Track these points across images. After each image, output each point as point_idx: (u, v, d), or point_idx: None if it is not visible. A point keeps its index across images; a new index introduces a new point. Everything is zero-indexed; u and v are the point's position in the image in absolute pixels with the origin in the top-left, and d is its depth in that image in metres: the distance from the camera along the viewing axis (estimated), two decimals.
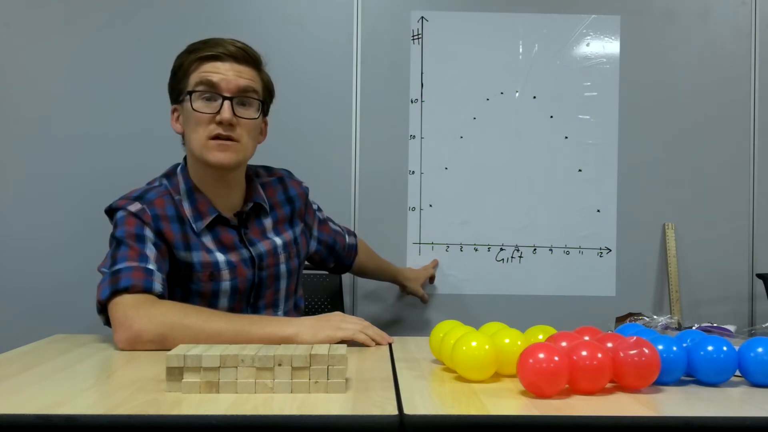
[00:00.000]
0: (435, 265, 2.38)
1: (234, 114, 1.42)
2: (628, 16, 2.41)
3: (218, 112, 1.42)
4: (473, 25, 2.38)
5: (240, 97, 1.44)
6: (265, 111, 1.52)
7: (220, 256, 1.47)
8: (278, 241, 1.56)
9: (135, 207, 1.43)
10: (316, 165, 2.31)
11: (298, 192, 1.65)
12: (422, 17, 2.37)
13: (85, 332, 1.44)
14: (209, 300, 1.47)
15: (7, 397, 0.92)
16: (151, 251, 1.39)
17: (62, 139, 2.31)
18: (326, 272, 2.21)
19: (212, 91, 1.43)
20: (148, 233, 1.41)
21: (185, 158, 1.54)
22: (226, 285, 1.48)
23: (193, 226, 1.46)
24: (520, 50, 2.39)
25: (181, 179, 1.50)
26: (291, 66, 2.34)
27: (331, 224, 1.80)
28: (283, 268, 1.57)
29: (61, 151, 2.30)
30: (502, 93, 2.39)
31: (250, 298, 1.53)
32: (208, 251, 1.46)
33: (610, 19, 2.40)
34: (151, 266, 1.36)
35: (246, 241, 1.51)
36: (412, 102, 2.37)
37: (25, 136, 2.30)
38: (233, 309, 1.50)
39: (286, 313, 1.60)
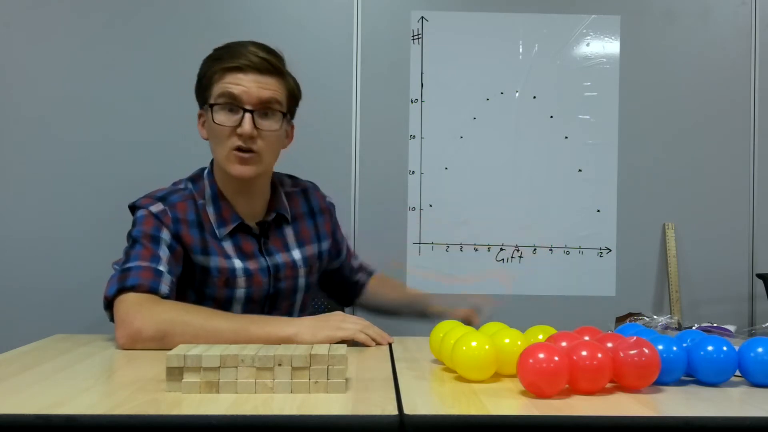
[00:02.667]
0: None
1: (255, 126, 1.42)
2: (628, 16, 2.41)
3: (239, 124, 1.41)
4: (473, 25, 2.38)
5: (262, 109, 1.43)
6: (291, 116, 1.52)
7: (238, 263, 1.47)
8: (297, 255, 1.56)
9: (157, 207, 1.43)
10: (316, 165, 2.31)
11: (321, 206, 1.65)
12: (422, 17, 2.37)
13: (85, 332, 1.44)
14: (223, 306, 1.47)
15: (7, 397, 0.92)
16: (164, 253, 1.39)
17: (62, 139, 2.31)
18: None
19: (233, 103, 1.42)
20: (165, 235, 1.41)
21: (212, 161, 1.54)
22: (240, 292, 1.48)
23: (216, 231, 1.47)
24: (520, 50, 2.39)
25: (207, 184, 1.51)
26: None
27: (356, 259, 1.79)
28: (302, 282, 1.57)
29: (62, 152, 2.30)
30: (502, 93, 2.39)
31: (265, 307, 1.53)
32: (227, 257, 1.47)
33: (610, 19, 2.40)
34: (162, 267, 1.37)
35: (265, 251, 1.52)
36: (412, 102, 2.37)
37: (25, 136, 2.30)
38: None
39: None
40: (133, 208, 1.47)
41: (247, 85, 1.42)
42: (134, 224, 1.44)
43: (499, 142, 2.39)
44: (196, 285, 1.47)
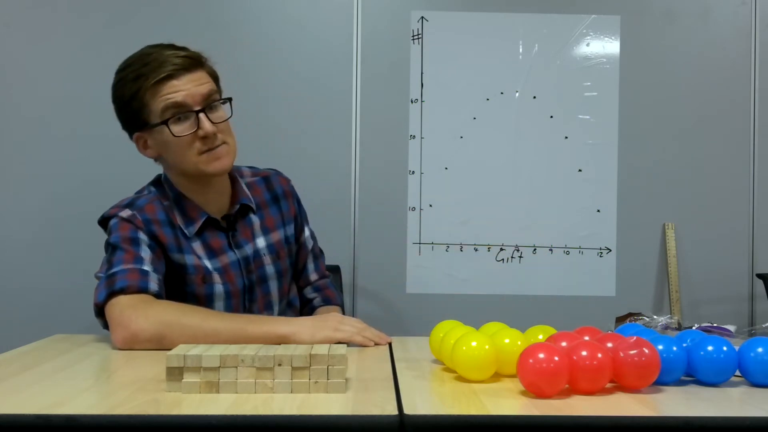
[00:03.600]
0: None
1: (211, 122, 1.42)
2: (628, 16, 2.41)
3: (198, 128, 1.41)
4: (473, 25, 2.38)
5: (207, 104, 1.43)
6: (229, 101, 1.50)
7: (209, 264, 1.47)
8: (261, 243, 1.55)
9: (126, 213, 1.43)
10: (317, 165, 2.31)
11: (285, 190, 1.64)
12: (422, 17, 2.37)
13: (85, 332, 1.44)
14: (205, 304, 1.47)
15: (7, 397, 0.92)
16: (146, 253, 1.39)
17: (62, 139, 2.31)
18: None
19: (181, 111, 1.41)
20: (142, 236, 1.41)
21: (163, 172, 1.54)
22: (219, 288, 1.48)
23: (185, 231, 1.47)
24: (520, 50, 2.39)
25: (167, 187, 1.51)
26: (291, 66, 2.34)
27: (314, 243, 1.71)
28: (270, 269, 1.56)
29: (62, 152, 2.30)
30: (502, 93, 2.39)
31: (245, 301, 1.53)
32: (199, 257, 1.47)
33: (610, 19, 2.40)
34: (147, 267, 1.37)
35: (234, 244, 1.52)
36: (412, 102, 2.37)
37: (25, 136, 2.30)
38: (230, 311, 1.50)
39: (281, 314, 1.59)
40: (104, 220, 1.47)
41: (185, 87, 1.42)
42: (110, 233, 1.43)
43: (499, 142, 2.39)
44: (177, 284, 1.47)
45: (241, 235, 1.53)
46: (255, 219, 1.56)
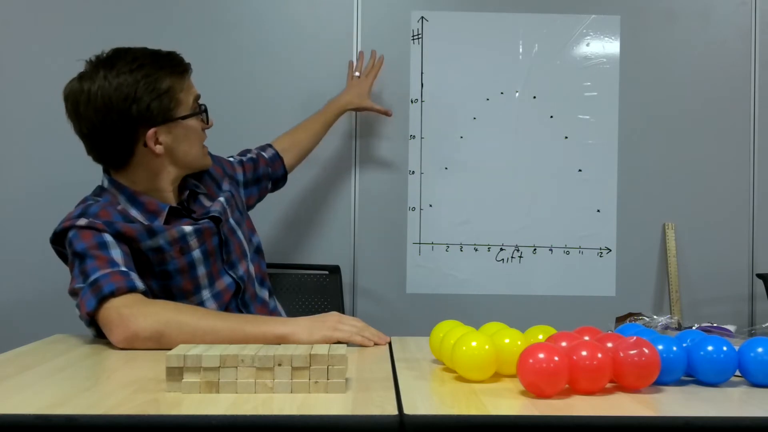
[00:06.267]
0: (374, 65, 2.24)
1: None
2: (628, 16, 2.40)
3: (206, 121, 1.58)
4: (473, 25, 2.38)
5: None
6: None
7: (186, 228, 1.50)
8: (222, 198, 1.63)
9: (83, 222, 1.41)
10: (316, 165, 2.31)
11: None
12: (422, 17, 2.37)
13: (85, 332, 1.44)
14: (189, 273, 1.50)
15: (7, 397, 0.92)
16: (116, 254, 1.38)
17: (63, 138, 2.29)
18: (325, 271, 2.22)
19: (199, 104, 1.57)
20: (108, 238, 1.40)
21: (106, 172, 1.55)
22: (197, 253, 1.51)
23: (152, 225, 1.47)
24: (520, 50, 2.39)
25: (116, 191, 1.51)
26: (291, 66, 2.34)
27: (245, 157, 1.86)
28: (231, 221, 1.63)
29: (62, 151, 2.29)
30: (502, 93, 2.39)
31: (223, 255, 1.57)
32: (174, 226, 1.49)
33: (610, 19, 2.40)
34: (123, 268, 1.36)
35: (198, 219, 1.56)
36: (412, 102, 2.37)
37: (25, 136, 2.30)
38: (211, 272, 1.53)
39: (252, 256, 1.67)
40: (59, 234, 1.44)
41: (194, 85, 1.57)
42: (71, 245, 1.40)
43: (499, 142, 2.39)
44: (155, 270, 1.47)
45: (199, 213, 1.58)
46: (203, 195, 1.63)
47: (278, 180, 1.95)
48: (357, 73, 2.22)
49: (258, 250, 1.72)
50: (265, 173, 1.89)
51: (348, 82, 2.24)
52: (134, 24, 2.30)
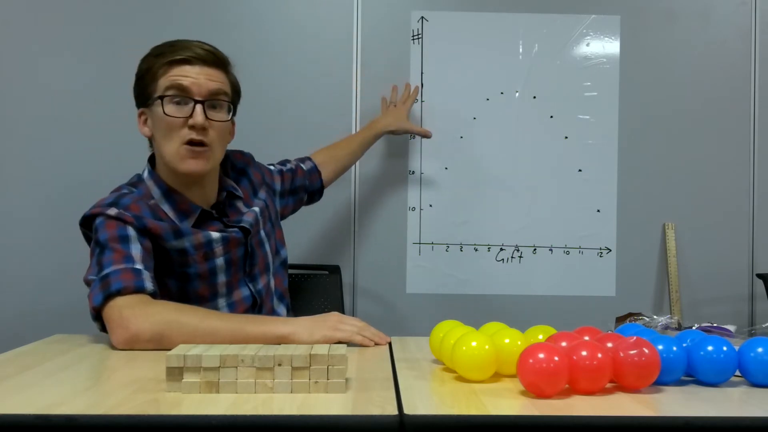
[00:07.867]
0: (410, 95, 2.27)
1: (206, 117, 1.43)
2: (628, 16, 2.40)
3: (190, 116, 1.42)
4: (473, 25, 2.38)
5: (211, 100, 1.45)
6: (234, 111, 1.53)
7: (213, 234, 1.49)
8: (257, 209, 1.60)
9: (113, 211, 1.42)
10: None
11: (243, 161, 1.68)
12: (422, 17, 2.37)
13: (85, 332, 1.44)
14: (208, 279, 1.49)
15: (7, 397, 0.92)
16: (136, 251, 1.38)
17: (63, 138, 2.31)
18: (325, 271, 2.21)
19: (183, 95, 1.43)
20: (131, 232, 1.40)
21: (150, 162, 1.55)
22: (220, 261, 1.50)
23: (180, 225, 1.47)
24: (520, 50, 2.39)
25: (152, 184, 1.50)
26: (291, 66, 2.34)
27: (285, 167, 1.83)
28: (262, 233, 1.61)
29: (62, 151, 2.30)
30: (502, 93, 2.39)
31: (246, 267, 1.55)
32: (201, 230, 1.48)
33: (610, 19, 2.40)
34: (138, 266, 1.36)
35: (228, 226, 1.54)
36: None
37: (25, 135, 2.30)
38: (231, 282, 1.52)
39: (276, 269, 1.65)
40: (87, 219, 1.45)
41: (195, 76, 1.44)
42: (96, 231, 1.41)
43: (499, 142, 2.39)
44: (176, 271, 1.47)
45: (232, 219, 1.56)
46: (239, 200, 1.60)
47: (314, 193, 1.91)
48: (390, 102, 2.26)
49: (284, 263, 1.70)
50: (302, 185, 1.85)
51: (383, 110, 2.25)
52: (134, 24, 2.30)
